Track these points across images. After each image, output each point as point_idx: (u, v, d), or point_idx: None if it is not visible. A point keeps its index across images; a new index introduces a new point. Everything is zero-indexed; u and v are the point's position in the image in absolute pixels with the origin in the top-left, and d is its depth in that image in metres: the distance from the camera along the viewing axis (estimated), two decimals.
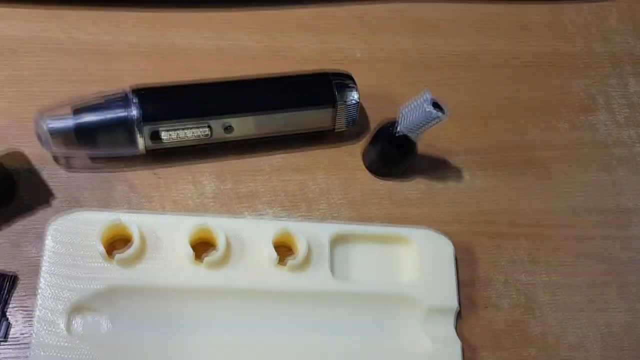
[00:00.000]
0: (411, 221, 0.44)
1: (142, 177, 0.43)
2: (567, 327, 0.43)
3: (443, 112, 0.38)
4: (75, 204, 0.41)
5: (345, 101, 0.43)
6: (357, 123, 0.45)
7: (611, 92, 0.52)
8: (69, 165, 0.42)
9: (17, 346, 0.37)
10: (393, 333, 0.40)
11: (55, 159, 0.42)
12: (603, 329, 0.43)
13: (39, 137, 0.40)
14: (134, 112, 0.40)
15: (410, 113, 0.40)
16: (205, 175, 0.44)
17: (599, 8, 0.56)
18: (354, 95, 0.44)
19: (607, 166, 0.49)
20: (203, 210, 0.43)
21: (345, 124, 0.45)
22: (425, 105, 0.38)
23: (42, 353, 0.35)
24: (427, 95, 0.39)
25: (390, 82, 0.49)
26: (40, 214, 0.41)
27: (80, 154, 0.42)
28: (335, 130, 0.45)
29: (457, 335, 0.40)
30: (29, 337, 0.37)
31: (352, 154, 0.46)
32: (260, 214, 0.43)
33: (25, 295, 0.39)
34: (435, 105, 0.38)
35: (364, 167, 0.46)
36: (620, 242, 0.46)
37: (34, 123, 0.40)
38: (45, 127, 0.39)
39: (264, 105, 0.43)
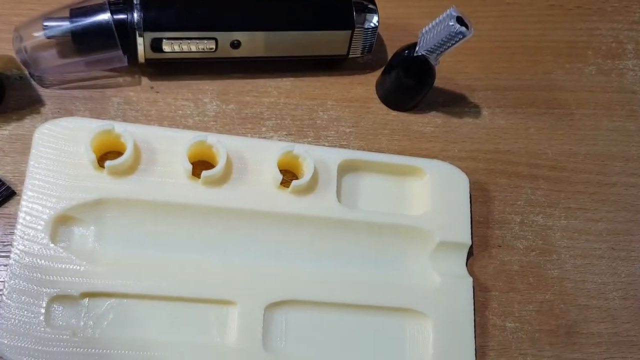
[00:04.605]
0: (424, 156, 0.41)
1: (139, 90, 0.40)
2: (586, 274, 0.40)
3: (467, 29, 0.36)
4: (66, 114, 0.39)
5: (363, 25, 0.40)
6: (373, 52, 0.43)
7: None
8: (62, 75, 0.39)
9: None
10: (400, 266, 0.38)
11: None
12: (624, 278, 0.40)
13: (20, 54, 0.37)
14: (136, 16, 0.37)
15: (431, 31, 0.37)
16: (207, 93, 0.41)
17: None
18: (374, 19, 0.41)
19: (633, 113, 0.46)
20: (203, 130, 0.40)
21: (361, 51, 0.42)
22: (448, 20, 0.35)
23: (23, 261, 0.33)
24: (452, 11, 0.36)
25: (411, 12, 0.46)
26: (28, 121, 0.38)
27: (74, 65, 0.39)
28: (349, 57, 0.42)
29: (469, 273, 0.38)
30: (9, 245, 0.34)
31: (365, 84, 0.43)
32: (264, 138, 0.40)
33: (9, 203, 0.36)
34: (460, 21, 0.36)
35: (377, 98, 0.43)
36: None
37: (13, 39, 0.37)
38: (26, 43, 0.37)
39: (276, 23, 0.39)
